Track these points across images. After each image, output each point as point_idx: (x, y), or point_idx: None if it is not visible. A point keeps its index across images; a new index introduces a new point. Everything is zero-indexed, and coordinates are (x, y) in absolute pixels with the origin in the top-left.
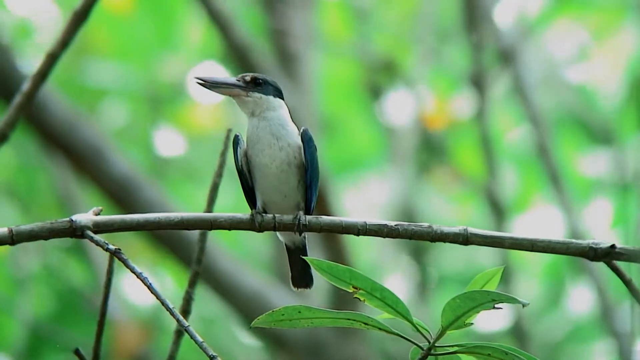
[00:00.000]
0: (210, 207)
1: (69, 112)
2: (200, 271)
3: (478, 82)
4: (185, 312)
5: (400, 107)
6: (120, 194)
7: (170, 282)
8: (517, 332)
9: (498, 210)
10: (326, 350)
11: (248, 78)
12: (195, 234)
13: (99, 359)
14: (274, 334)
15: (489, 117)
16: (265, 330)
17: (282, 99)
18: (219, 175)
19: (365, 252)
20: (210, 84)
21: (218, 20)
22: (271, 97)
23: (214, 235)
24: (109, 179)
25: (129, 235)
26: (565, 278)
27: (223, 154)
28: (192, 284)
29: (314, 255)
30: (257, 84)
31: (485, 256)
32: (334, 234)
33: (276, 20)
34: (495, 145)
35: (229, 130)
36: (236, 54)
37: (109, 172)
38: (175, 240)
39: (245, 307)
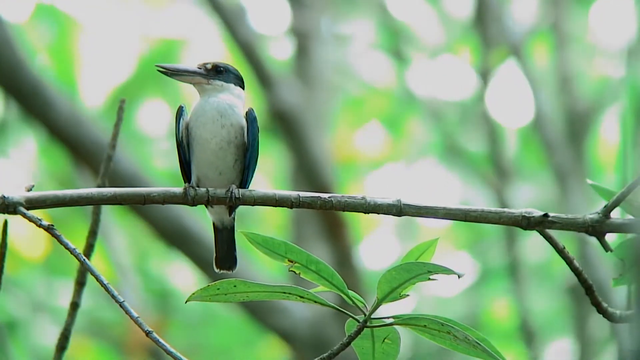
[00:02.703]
0: (103, 180)
1: (74, 110)
2: (94, 243)
3: (484, 77)
4: (81, 283)
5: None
6: None
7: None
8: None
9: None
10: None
11: (209, 66)
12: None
13: None
14: (282, 330)
15: (493, 113)
16: (273, 327)
17: (243, 87)
18: (112, 147)
19: None
20: (172, 72)
21: (225, 18)
22: (232, 85)
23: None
24: (115, 175)
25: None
26: None
27: (117, 126)
28: (86, 255)
29: (321, 250)
30: (219, 72)
31: None
32: (340, 230)
33: (293, 19)
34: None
35: (122, 101)
36: (242, 51)
37: (116, 169)
38: (187, 239)
39: (253, 305)
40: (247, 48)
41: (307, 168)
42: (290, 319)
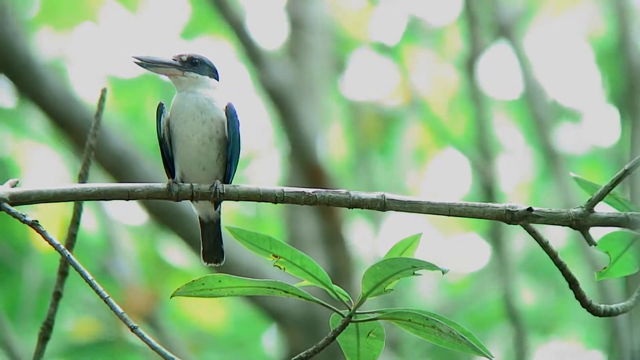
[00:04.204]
0: (85, 169)
1: (65, 88)
2: (76, 233)
3: (471, 59)
4: (63, 273)
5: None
6: (118, 168)
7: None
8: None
9: (490, 194)
10: (323, 327)
11: (185, 58)
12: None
13: None
14: (274, 309)
15: (481, 95)
16: (266, 306)
17: (218, 79)
18: (93, 136)
19: None
20: (147, 63)
21: None
22: (207, 77)
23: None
24: (106, 153)
25: None
26: None
27: (97, 116)
28: (69, 246)
29: (312, 226)
30: (194, 64)
31: None
32: (329, 212)
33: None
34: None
35: (103, 91)
36: (233, 29)
37: (106, 146)
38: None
39: None
40: (237, 26)
41: (298, 146)
42: (282, 298)
